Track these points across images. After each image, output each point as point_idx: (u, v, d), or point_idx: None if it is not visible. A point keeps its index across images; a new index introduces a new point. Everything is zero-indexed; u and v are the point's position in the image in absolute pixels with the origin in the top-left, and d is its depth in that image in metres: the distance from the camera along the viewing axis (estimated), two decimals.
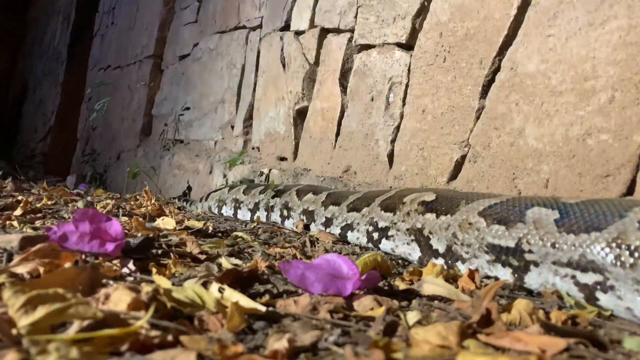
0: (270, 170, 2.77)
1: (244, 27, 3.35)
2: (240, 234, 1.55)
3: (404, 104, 2.00)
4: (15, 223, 1.37)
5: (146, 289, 0.67)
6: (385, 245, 1.46)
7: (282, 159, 2.77)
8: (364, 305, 0.78)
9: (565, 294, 0.96)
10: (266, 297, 0.79)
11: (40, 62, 8.76)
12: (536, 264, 1.01)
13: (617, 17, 1.34)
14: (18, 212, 1.65)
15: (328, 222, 1.76)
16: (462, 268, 1.16)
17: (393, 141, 2.02)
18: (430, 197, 1.33)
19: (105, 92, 4.93)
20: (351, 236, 1.63)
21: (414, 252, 1.33)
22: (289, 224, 1.99)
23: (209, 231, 1.59)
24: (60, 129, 7.04)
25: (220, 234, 1.57)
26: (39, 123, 8.03)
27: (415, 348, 0.58)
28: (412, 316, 0.71)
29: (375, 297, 0.80)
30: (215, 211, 2.61)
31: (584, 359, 0.61)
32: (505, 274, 1.07)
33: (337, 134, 2.35)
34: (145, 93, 4.57)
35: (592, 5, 1.40)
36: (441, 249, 1.23)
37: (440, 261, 1.23)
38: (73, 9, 7.24)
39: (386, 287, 0.95)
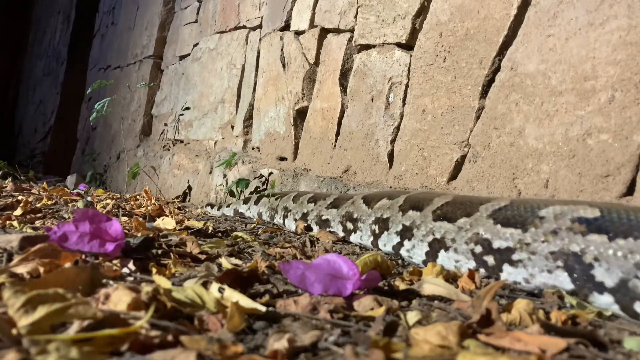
0: (270, 170, 2.77)
1: (244, 27, 3.35)
2: (240, 234, 1.55)
3: (404, 104, 2.00)
4: (15, 223, 1.37)
5: (146, 289, 0.67)
6: (513, 274, 1.08)
7: (282, 159, 2.77)
8: (364, 305, 0.78)
9: None
10: (266, 297, 0.79)
11: (40, 62, 8.76)
12: None
13: (617, 17, 1.34)
14: (18, 212, 1.65)
15: (405, 232, 1.39)
16: None
17: (393, 141, 2.03)
18: (592, 212, 1.01)
19: (105, 92, 4.93)
20: (445, 258, 1.23)
21: (562, 283, 1.02)
22: (355, 238, 1.64)
23: (209, 231, 1.59)
24: (60, 129, 7.04)
25: (220, 234, 1.57)
26: (39, 123, 8.03)
27: (415, 348, 0.58)
28: (412, 316, 0.71)
29: (375, 297, 0.80)
30: (267, 219, 2.24)
31: (584, 359, 0.61)
32: None
33: (337, 134, 2.35)
34: (145, 93, 4.57)
35: (592, 5, 1.40)
36: (610, 283, 0.93)
37: (606, 298, 0.93)
38: (73, 9, 7.24)
39: (386, 287, 0.95)
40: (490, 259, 1.12)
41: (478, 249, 1.15)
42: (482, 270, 1.13)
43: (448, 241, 1.22)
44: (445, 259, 1.23)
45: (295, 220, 1.96)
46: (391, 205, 1.49)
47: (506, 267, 1.09)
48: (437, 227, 1.27)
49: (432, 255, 1.27)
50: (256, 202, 2.37)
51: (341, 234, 1.69)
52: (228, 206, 2.63)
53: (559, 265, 1.00)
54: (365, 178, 2.14)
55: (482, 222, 1.15)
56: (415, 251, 1.33)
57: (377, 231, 1.51)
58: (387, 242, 1.46)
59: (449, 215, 1.25)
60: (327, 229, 1.75)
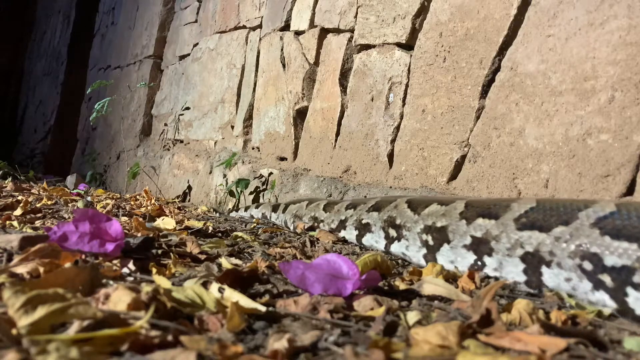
0: (270, 170, 2.77)
1: (244, 27, 3.35)
2: (240, 234, 1.55)
3: (404, 104, 2.00)
4: (15, 223, 1.37)
5: (146, 289, 0.67)
6: None
7: (282, 158, 2.77)
8: (364, 305, 0.78)
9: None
10: (266, 297, 0.79)
11: (40, 62, 8.76)
12: None
13: (617, 17, 1.34)
14: (18, 212, 1.65)
15: (479, 246, 1.14)
16: None
17: (393, 141, 2.03)
18: None
19: (105, 92, 4.93)
20: (553, 276, 0.99)
21: None
22: (398, 247, 1.43)
23: (209, 231, 1.59)
24: (60, 129, 7.04)
25: (220, 234, 1.57)
26: (39, 123, 8.03)
27: (415, 348, 0.58)
28: (412, 316, 0.71)
29: (375, 297, 0.80)
30: (291, 227, 2.05)
31: (584, 359, 0.61)
32: None
33: (337, 134, 2.35)
34: (145, 93, 4.57)
35: (592, 5, 1.40)
36: None
37: None
38: (73, 9, 7.24)
39: (386, 287, 0.95)
40: (607, 279, 0.90)
41: (587, 265, 0.93)
42: (602, 295, 0.91)
43: (546, 255, 1.00)
44: (552, 277, 0.99)
45: (332, 230, 1.77)
46: (447, 211, 1.25)
47: (631, 291, 0.86)
48: (526, 237, 1.04)
49: (533, 274, 1.02)
50: (284, 211, 2.21)
51: (383, 242, 1.49)
52: (257, 207, 2.47)
53: None
54: (365, 178, 2.14)
55: (586, 233, 0.94)
56: (508, 269, 1.08)
57: (430, 242, 1.28)
58: (456, 259, 1.20)
59: (539, 223, 1.03)
60: (368, 233, 1.57)
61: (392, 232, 1.44)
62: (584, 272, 0.93)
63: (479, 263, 1.13)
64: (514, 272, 1.06)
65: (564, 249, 0.97)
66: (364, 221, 1.58)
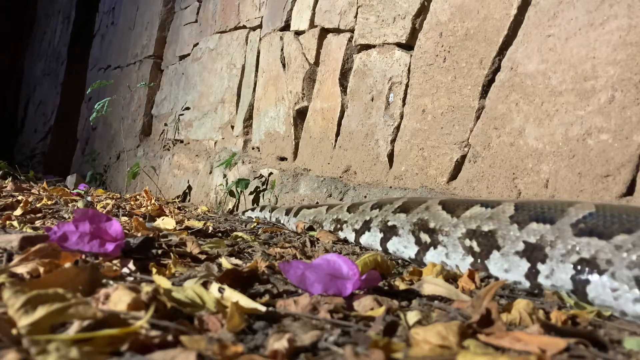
0: (270, 170, 2.77)
1: (244, 27, 3.35)
2: (240, 234, 1.55)
3: (404, 104, 2.00)
4: (15, 223, 1.37)
5: (146, 289, 0.67)
6: None
7: (282, 159, 2.77)
8: (364, 305, 0.78)
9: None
10: (266, 297, 0.79)
11: (40, 62, 8.76)
12: None
13: (617, 17, 1.34)
14: (18, 212, 1.65)
15: (532, 252, 1.06)
16: None
17: (393, 141, 2.03)
18: None
19: (105, 92, 4.93)
20: (599, 285, 0.94)
21: None
22: (437, 256, 1.29)
23: (209, 231, 1.59)
24: (60, 129, 7.04)
25: (220, 234, 1.57)
26: (39, 123, 8.03)
27: (415, 348, 0.58)
28: (412, 316, 0.71)
29: (375, 297, 0.80)
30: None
31: (584, 359, 0.61)
32: None
33: (337, 134, 2.35)
34: (145, 93, 4.57)
35: (592, 5, 1.40)
36: None
37: None
38: (73, 9, 7.24)
39: (386, 287, 0.95)
40: None
41: None
42: None
43: (602, 263, 0.94)
44: (598, 285, 0.93)
45: (355, 231, 1.66)
46: (493, 214, 1.16)
47: None
48: (584, 244, 0.97)
49: (580, 282, 0.97)
50: (295, 214, 2.12)
51: (414, 248, 1.36)
52: (271, 211, 2.38)
53: None
54: (365, 178, 2.14)
55: None
56: (558, 276, 1.01)
57: (476, 248, 1.17)
58: (510, 267, 1.10)
59: (599, 229, 0.97)
60: (394, 237, 1.45)
61: (425, 237, 1.32)
62: (638, 283, 0.88)
63: (533, 271, 1.06)
64: (562, 280, 1.00)
65: (624, 259, 0.91)
66: (389, 223, 1.46)
